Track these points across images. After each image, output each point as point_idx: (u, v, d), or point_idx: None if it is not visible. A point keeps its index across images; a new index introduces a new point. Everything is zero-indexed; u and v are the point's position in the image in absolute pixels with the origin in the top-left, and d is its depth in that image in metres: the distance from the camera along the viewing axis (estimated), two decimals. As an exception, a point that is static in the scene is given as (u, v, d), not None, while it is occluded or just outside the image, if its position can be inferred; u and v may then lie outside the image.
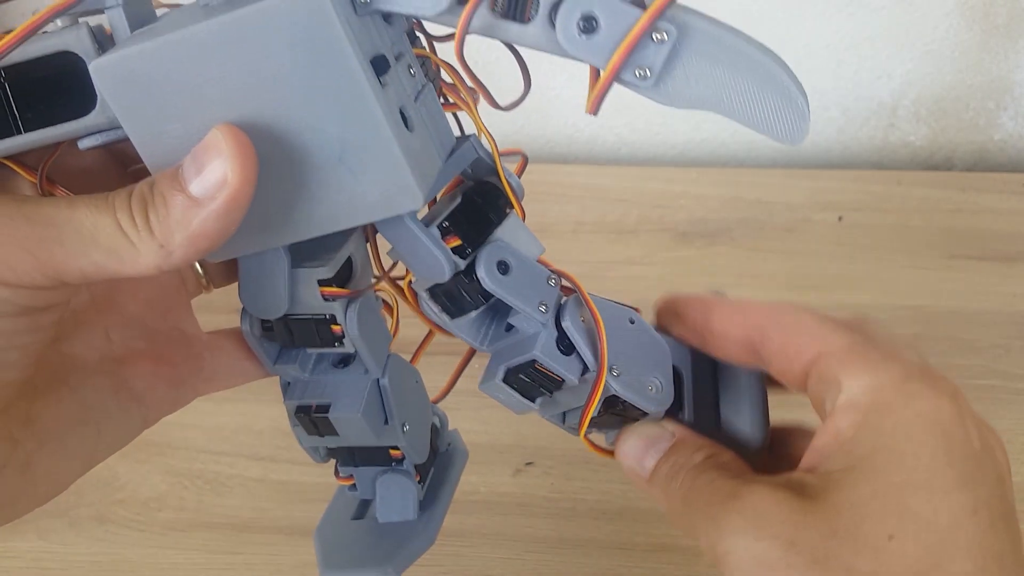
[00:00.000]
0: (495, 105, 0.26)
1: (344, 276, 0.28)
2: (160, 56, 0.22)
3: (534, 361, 0.28)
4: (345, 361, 0.30)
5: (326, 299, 0.27)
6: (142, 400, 0.29)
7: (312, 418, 0.29)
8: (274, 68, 0.22)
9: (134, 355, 0.30)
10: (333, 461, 0.33)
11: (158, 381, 0.30)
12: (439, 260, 0.26)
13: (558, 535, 0.47)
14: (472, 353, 0.31)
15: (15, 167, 0.26)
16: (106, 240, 0.23)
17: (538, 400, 0.29)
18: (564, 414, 0.31)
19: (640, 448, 0.28)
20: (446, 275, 0.26)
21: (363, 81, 0.22)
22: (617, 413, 0.29)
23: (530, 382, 0.28)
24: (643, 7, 0.20)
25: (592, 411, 0.28)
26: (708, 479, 0.25)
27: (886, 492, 0.22)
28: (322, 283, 0.27)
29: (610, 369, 0.27)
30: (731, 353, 0.28)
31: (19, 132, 0.24)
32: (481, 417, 0.52)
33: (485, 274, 0.26)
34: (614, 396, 0.28)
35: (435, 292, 0.27)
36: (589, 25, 0.20)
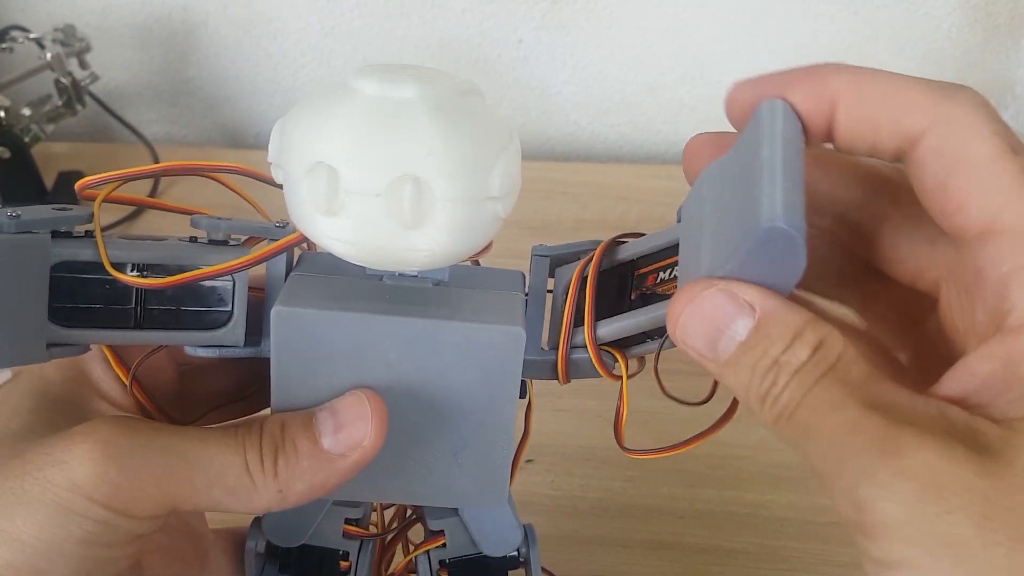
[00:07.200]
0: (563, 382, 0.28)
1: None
2: (344, 324, 0.24)
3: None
4: None
5: (346, 537, 0.30)
6: None
7: None
8: (442, 367, 0.24)
9: (151, 549, 0.28)
10: None
11: None
12: (516, 527, 0.30)
13: (559, 533, 0.47)
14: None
15: (111, 357, 0.27)
16: (232, 480, 0.23)
17: None
18: None
19: (708, 328, 0.20)
20: (518, 541, 0.30)
21: (514, 406, 0.25)
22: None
23: None
24: None
25: None
26: (831, 401, 0.19)
27: None
28: (347, 522, 0.30)
29: None
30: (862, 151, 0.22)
31: (141, 328, 0.25)
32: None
33: None
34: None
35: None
36: None
